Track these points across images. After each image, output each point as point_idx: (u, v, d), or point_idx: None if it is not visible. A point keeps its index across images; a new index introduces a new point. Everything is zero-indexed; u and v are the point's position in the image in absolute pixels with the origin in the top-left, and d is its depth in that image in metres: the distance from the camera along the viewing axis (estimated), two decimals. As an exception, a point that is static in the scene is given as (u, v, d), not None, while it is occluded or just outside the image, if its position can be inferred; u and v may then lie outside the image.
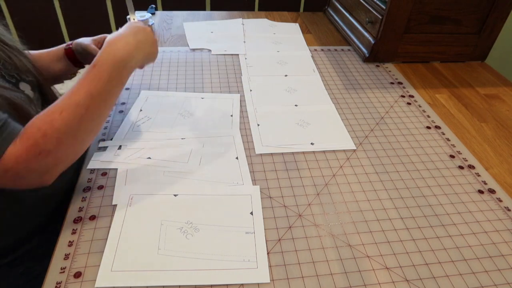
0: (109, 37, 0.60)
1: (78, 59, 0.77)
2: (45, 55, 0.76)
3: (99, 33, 0.79)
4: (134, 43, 0.59)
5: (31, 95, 0.60)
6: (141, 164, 0.68)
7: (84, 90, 0.51)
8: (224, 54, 1.09)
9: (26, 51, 0.65)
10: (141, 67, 0.66)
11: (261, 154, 0.73)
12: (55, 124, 0.48)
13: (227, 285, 0.51)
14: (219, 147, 0.74)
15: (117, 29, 0.62)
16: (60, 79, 0.80)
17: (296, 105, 0.88)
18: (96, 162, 0.69)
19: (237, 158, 0.71)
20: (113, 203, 0.61)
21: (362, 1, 1.12)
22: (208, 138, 0.76)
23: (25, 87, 0.60)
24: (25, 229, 0.65)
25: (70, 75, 0.82)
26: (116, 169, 0.67)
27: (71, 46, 0.77)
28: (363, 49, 1.11)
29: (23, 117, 0.51)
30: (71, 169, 0.65)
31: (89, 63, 0.78)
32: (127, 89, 0.91)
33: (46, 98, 0.66)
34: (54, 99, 0.67)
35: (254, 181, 0.67)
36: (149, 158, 0.70)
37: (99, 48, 0.77)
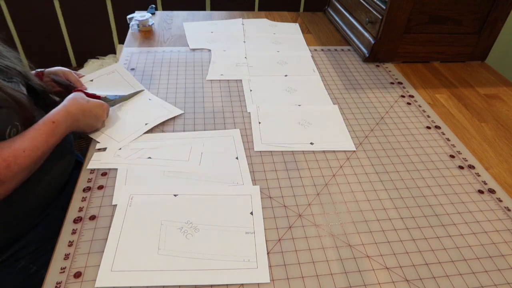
0: (69, 99, 0.69)
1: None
2: None
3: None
4: (82, 112, 0.69)
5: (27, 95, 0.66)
6: (141, 164, 0.68)
7: (43, 138, 0.61)
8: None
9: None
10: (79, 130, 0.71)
11: (261, 154, 0.73)
12: (18, 160, 0.57)
13: (227, 285, 0.51)
14: (219, 147, 0.74)
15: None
16: None
17: (299, 105, 0.88)
18: (96, 162, 0.69)
19: (237, 158, 0.71)
20: (113, 203, 0.61)
21: (362, 1, 1.12)
22: (208, 138, 0.76)
23: (22, 89, 0.66)
24: (17, 227, 0.65)
25: None
26: (116, 169, 0.67)
27: (41, 72, 0.80)
28: (363, 49, 1.11)
29: (24, 113, 0.61)
30: (55, 166, 0.69)
31: (54, 91, 0.80)
32: (127, 89, 0.90)
33: (38, 98, 0.71)
34: (54, 103, 0.71)
35: (254, 181, 0.67)
36: (149, 158, 0.70)
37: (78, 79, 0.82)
